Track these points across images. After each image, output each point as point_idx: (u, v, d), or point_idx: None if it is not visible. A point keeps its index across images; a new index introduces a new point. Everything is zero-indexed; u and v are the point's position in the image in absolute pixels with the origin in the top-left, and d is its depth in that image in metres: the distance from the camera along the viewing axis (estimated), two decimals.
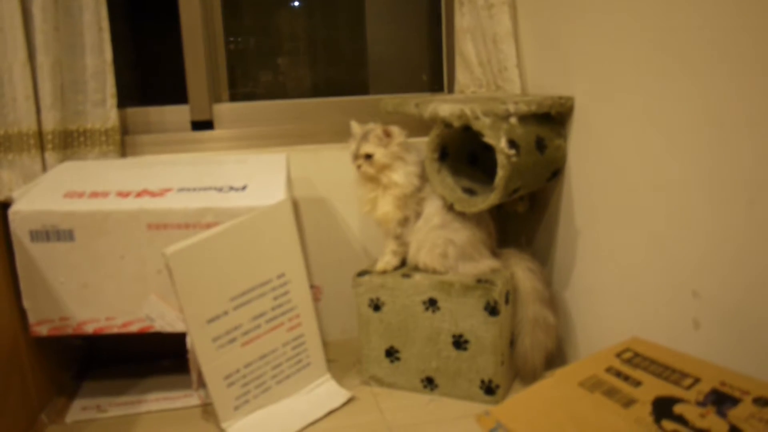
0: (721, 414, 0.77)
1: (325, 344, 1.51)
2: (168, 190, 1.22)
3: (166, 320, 1.18)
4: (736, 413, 0.77)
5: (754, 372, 0.85)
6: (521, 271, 1.30)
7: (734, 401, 0.79)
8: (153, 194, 1.20)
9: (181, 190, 1.22)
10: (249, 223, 1.15)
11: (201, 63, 1.54)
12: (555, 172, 1.33)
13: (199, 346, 1.11)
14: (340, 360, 1.43)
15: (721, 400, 0.80)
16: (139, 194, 1.20)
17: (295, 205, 1.51)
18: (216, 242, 1.12)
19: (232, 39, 1.70)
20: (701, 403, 0.80)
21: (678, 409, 0.79)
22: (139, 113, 1.54)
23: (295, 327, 1.23)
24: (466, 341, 1.23)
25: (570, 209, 1.33)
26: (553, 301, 1.34)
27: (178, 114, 1.56)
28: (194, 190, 1.22)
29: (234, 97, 1.68)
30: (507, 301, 1.25)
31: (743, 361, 0.91)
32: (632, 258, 1.14)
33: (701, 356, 0.91)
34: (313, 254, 1.55)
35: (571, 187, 1.32)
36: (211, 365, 1.13)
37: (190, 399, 1.25)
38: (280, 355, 1.22)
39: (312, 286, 1.34)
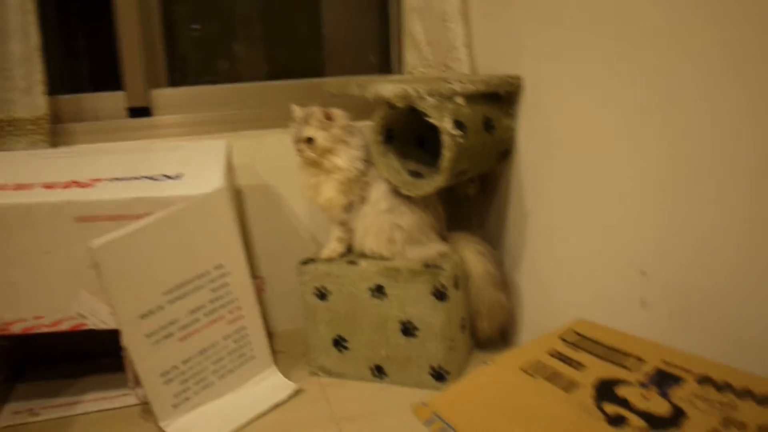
0: (664, 394, 0.76)
1: (274, 335, 1.48)
2: (98, 180, 1.16)
3: (99, 317, 1.12)
4: (679, 393, 0.75)
5: (698, 350, 0.84)
6: (471, 254, 1.27)
7: (677, 381, 0.78)
8: (81, 185, 1.13)
9: (112, 180, 1.16)
10: (183, 213, 1.10)
11: (136, 46, 1.47)
12: (504, 153, 1.30)
13: (131, 342, 1.06)
14: (288, 351, 1.38)
15: (664, 381, 0.78)
16: (66, 185, 1.13)
17: (238, 194, 1.46)
18: (147, 234, 1.07)
19: (175, 21, 1.63)
20: (644, 384, 0.78)
21: (620, 391, 0.77)
22: (71, 101, 1.47)
23: (236, 320, 1.18)
24: (415, 328, 1.20)
25: (520, 191, 1.30)
26: (505, 283, 1.31)
27: (113, 101, 1.48)
28: (126, 179, 1.16)
29: (178, 83, 1.61)
30: (456, 286, 1.22)
31: (688, 339, 0.90)
32: (581, 239, 1.12)
33: (648, 335, 0.90)
34: (258, 244, 1.50)
35: (521, 168, 1.29)
36: (145, 362, 1.08)
37: (129, 398, 1.19)
38: (221, 349, 1.17)
39: (255, 277, 1.29)
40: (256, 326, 1.22)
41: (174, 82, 1.59)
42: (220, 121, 1.51)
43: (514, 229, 1.34)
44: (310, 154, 1.22)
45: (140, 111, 1.50)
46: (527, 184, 1.28)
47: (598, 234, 1.07)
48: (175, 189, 1.13)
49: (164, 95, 1.53)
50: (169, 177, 1.17)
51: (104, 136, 1.42)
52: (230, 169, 1.35)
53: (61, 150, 1.37)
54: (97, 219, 1.09)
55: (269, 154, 1.48)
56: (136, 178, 1.17)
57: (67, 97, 1.46)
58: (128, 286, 1.05)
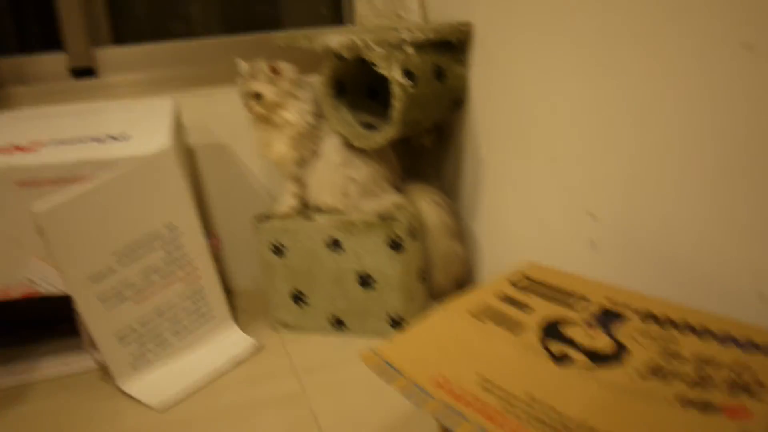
0: (608, 332, 0.77)
1: (234, 294, 1.48)
2: (40, 143, 1.12)
3: (49, 283, 1.10)
4: (622, 330, 0.77)
5: (645, 289, 0.86)
6: (426, 204, 1.27)
7: (621, 318, 0.79)
8: (23, 149, 1.10)
9: (55, 143, 1.13)
10: (129, 174, 1.08)
11: (76, 3, 1.42)
12: (457, 102, 1.30)
13: (83, 305, 1.05)
14: (248, 309, 1.38)
15: (608, 319, 0.80)
16: (7, 150, 1.10)
17: (190, 153, 1.44)
18: (92, 196, 1.05)
19: None
20: (589, 323, 0.79)
21: (566, 330, 0.79)
22: (10, 63, 1.41)
23: (192, 279, 1.17)
24: (373, 280, 1.21)
25: (474, 140, 1.30)
26: (461, 233, 1.32)
27: (55, 62, 1.43)
28: (70, 142, 1.13)
29: (124, 41, 1.56)
30: (413, 237, 1.22)
31: (635, 278, 0.92)
32: (533, 184, 1.13)
33: (598, 276, 0.92)
34: (213, 203, 1.48)
35: (475, 117, 1.28)
36: (100, 325, 1.07)
37: (88, 362, 1.18)
38: (178, 309, 1.16)
39: (210, 236, 1.28)
40: (213, 285, 1.21)
41: (119, 40, 1.54)
42: (168, 80, 1.47)
43: (469, 179, 1.34)
44: (258, 109, 1.20)
45: (84, 71, 1.45)
46: (481, 133, 1.27)
47: (549, 179, 1.08)
48: (120, 150, 1.11)
49: (109, 54, 1.48)
50: (114, 138, 1.15)
51: (47, 99, 1.38)
52: (180, 128, 1.32)
53: (2, 115, 1.32)
54: (41, 183, 1.07)
55: (221, 112, 1.45)
56: (80, 141, 1.14)
57: (5, 59, 1.41)
58: (75, 249, 1.04)
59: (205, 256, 1.19)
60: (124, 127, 1.18)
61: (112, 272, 1.07)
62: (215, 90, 1.46)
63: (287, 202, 1.27)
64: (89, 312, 1.06)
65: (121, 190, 1.07)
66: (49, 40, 1.44)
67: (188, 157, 1.40)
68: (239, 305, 1.41)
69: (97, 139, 1.14)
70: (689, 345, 0.72)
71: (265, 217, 1.26)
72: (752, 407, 0.59)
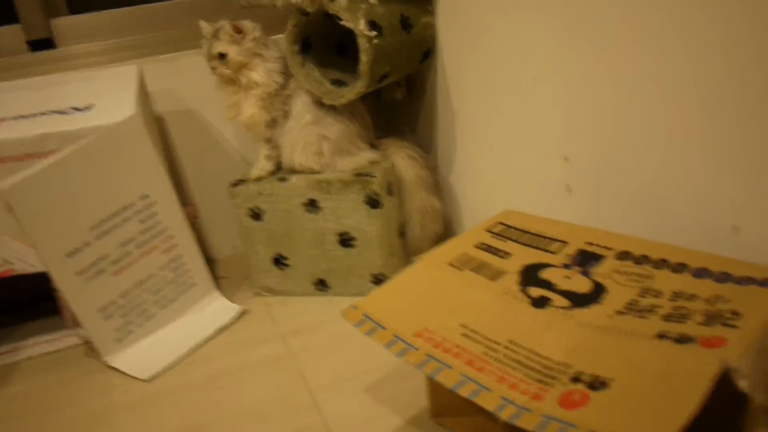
0: (585, 273, 0.78)
1: (215, 262, 1.47)
2: (1, 120, 1.09)
3: (26, 261, 1.09)
4: (600, 270, 0.78)
5: (621, 230, 0.86)
6: (402, 159, 1.26)
7: (598, 259, 0.80)
8: None
9: (17, 117, 1.10)
10: (96, 145, 1.06)
11: None
12: (426, 52, 1.28)
13: (62, 282, 1.04)
14: (231, 276, 1.38)
15: (586, 260, 0.80)
16: None
17: (159, 122, 1.41)
18: (59, 170, 1.02)
19: None
20: (567, 266, 0.80)
21: (544, 274, 0.79)
22: None
23: (170, 249, 1.16)
24: (352, 238, 1.20)
25: (446, 91, 1.28)
26: (438, 187, 1.32)
27: (10, 35, 1.39)
28: (33, 116, 1.10)
29: (80, 10, 1.50)
30: (390, 192, 1.21)
31: (612, 220, 0.92)
32: (507, 132, 1.12)
33: (576, 220, 0.92)
34: (187, 171, 1.46)
35: (445, 67, 1.27)
36: (80, 301, 1.06)
37: (72, 338, 1.18)
38: (159, 280, 1.15)
39: (186, 205, 1.26)
40: (193, 253, 1.20)
41: (76, 9, 1.49)
42: (130, 47, 1.43)
43: (443, 131, 1.33)
44: (224, 70, 1.17)
45: (42, 43, 1.41)
46: (452, 83, 1.26)
47: (523, 125, 1.07)
48: (85, 121, 1.08)
49: (66, 24, 1.43)
50: (78, 109, 1.12)
51: (5, 73, 1.33)
52: (145, 96, 1.29)
53: None
54: (5, 160, 1.04)
55: (187, 77, 1.42)
56: (43, 114, 1.11)
57: None
58: (48, 225, 1.02)
59: (181, 225, 1.18)
60: (87, 98, 1.15)
61: (87, 246, 1.06)
62: (180, 55, 1.42)
63: (261, 165, 1.25)
64: (68, 288, 1.05)
65: (89, 162, 1.05)
66: (3, 12, 1.39)
67: (157, 126, 1.37)
68: (221, 273, 1.41)
69: (60, 112, 1.11)
70: (665, 281, 0.73)
71: (240, 182, 1.24)
72: (727, 336, 0.60)
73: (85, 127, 1.06)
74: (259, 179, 1.24)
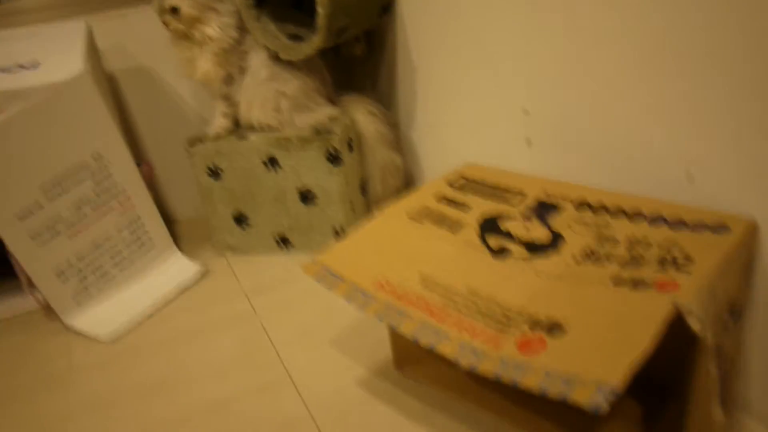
0: (544, 223, 0.79)
1: (177, 223, 1.45)
2: None
3: None
4: (558, 220, 0.79)
5: (580, 180, 0.87)
6: (362, 115, 1.25)
7: (557, 209, 0.81)
8: None
9: None
10: (43, 104, 1.02)
11: None
12: (385, 6, 1.25)
13: (14, 246, 1.01)
14: (193, 236, 1.36)
15: (544, 210, 0.81)
16: None
17: (111, 79, 1.37)
18: (5, 129, 0.99)
19: None
20: (526, 216, 0.81)
21: (504, 225, 0.80)
22: None
23: (127, 209, 1.14)
24: (313, 195, 1.20)
25: (406, 46, 1.27)
26: (399, 143, 1.31)
27: None
28: None
29: None
30: (350, 148, 1.20)
31: (571, 171, 0.93)
32: (467, 86, 1.11)
33: (535, 173, 0.92)
34: (143, 130, 1.42)
35: (405, 21, 1.25)
36: (36, 264, 1.04)
37: (30, 302, 1.15)
38: (116, 241, 1.13)
39: (142, 164, 1.24)
40: (151, 213, 1.18)
41: None
42: (78, 2, 1.37)
43: (404, 86, 1.32)
44: (177, 25, 1.13)
45: None
46: (412, 38, 1.24)
47: (483, 78, 1.07)
48: (32, 79, 1.04)
49: None
50: (24, 67, 1.07)
51: None
52: (95, 53, 1.25)
53: None
54: None
55: (139, 33, 1.37)
56: None
57: None
58: None
59: (138, 185, 1.15)
60: (33, 55, 1.11)
61: (39, 208, 1.03)
62: (130, 10, 1.37)
63: (219, 122, 1.23)
64: (21, 251, 1.02)
65: (37, 121, 1.02)
66: None
67: (109, 84, 1.33)
68: (182, 233, 1.39)
69: (5, 70, 1.07)
70: (622, 228, 0.74)
71: (198, 140, 1.22)
72: (680, 279, 0.62)
73: (31, 86, 1.02)
74: (217, 137, 1.21)
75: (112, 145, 1.10)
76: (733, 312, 0.68)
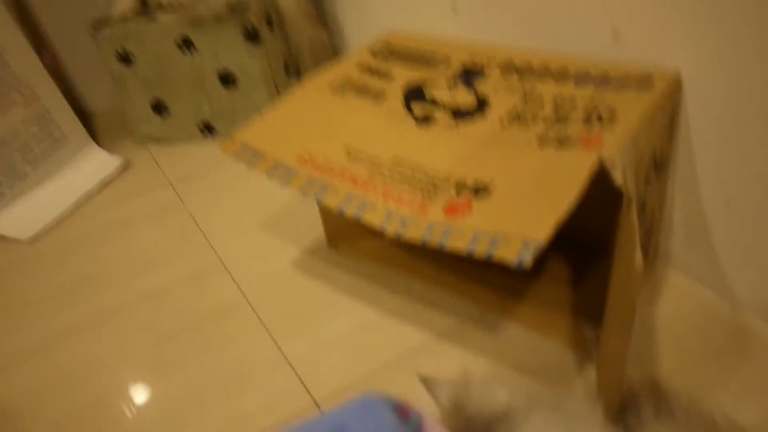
0: (470, 88, 0.76)
1: (94, 116, 1.37)
2: None
3: None
4: (484, 84, 0.77)
5: (505, 43, 0.84)
6: None
7: (483, 74, 0.78)
8: None
9: None
10: None
11: None
12: None
13: None
14: (111, 129, 1.29)
15: (470, 76, 0.79)
16: None
17: None
18: None
19: None
20: (452, 83, 0.78)
21: (429, 92, 0.77)
22: None
23: (31, 102, 1.06)
24: (234, 77, 1.14)
25: None
26: (325, 19, 1.24)
27: None
28: None
29: None
30: (270, 26, 1.13)
31: (498, 35, 0.90)
32: None
33: (461, 39, 0.89)
34: (42, 14, 1.30)
35: None
36: None
37: None
38: (28, 137, 1.06)
39: (44, 52, 1.14)
40: (59, 106, 1.11)
41: None
42: None
43: None
44: None
45: None
46: None
47: None
48: None
49: None
50: None
51: None
52: None
53: None
54: None
55: None
56: None
57: None
58: None
59: (41, 75, 1.07)
60: None
61: None
62: None
63: (124, 1, 1.13)
64: None
65: None
66: None
67: None
68: (99, 126, 1.31)
69: None
70: (548, 89, 0.73)
71: (102, 23, 1.12)
72: (604, 136, 0.61)
73: None
74: (123, 18, 1.12)
75: (5, 33, 1.01)
76: (657, 166, 0.69)
